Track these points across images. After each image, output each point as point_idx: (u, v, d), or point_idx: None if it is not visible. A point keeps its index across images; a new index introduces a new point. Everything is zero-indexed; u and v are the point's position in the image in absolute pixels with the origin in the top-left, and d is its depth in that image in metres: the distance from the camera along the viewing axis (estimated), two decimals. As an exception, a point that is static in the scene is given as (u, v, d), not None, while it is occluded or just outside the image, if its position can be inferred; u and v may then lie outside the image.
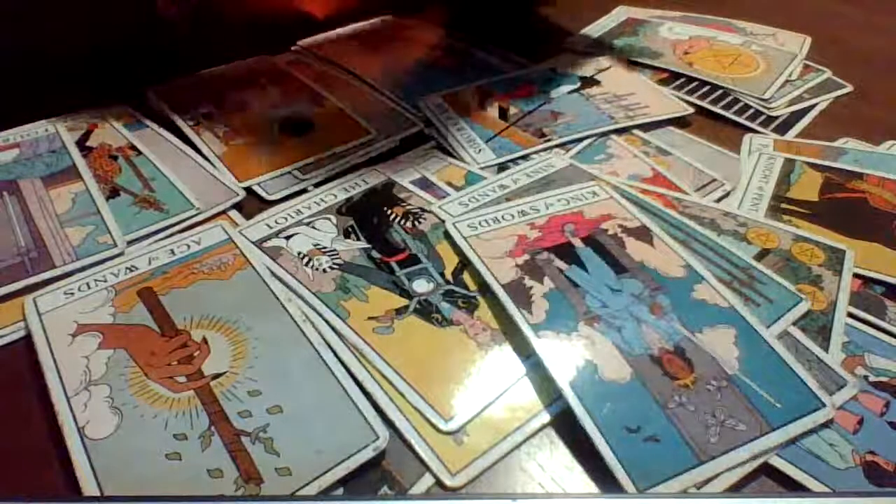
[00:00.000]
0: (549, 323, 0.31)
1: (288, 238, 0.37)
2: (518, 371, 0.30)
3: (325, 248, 0.36)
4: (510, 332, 0.31)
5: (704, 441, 0.26)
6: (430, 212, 0.38)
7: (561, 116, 0.47)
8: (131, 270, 0.34)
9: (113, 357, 0.30)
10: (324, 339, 0.31)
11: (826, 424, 0.28)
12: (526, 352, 0.30)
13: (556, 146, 0.45)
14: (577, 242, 0.35)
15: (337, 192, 0.40)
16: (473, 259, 0.34)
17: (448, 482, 0.26)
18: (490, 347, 0.31)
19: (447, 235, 0.36)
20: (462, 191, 0.40)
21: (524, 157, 0.44)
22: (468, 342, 0.31)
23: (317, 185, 0.41)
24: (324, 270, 0.35)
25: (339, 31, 0.58)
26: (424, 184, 0.41)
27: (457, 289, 0.34)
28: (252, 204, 0.40)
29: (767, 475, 0.27)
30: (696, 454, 0.26)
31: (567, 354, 0.29)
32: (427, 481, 0.26)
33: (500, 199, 0.39)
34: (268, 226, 0.37)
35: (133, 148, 0.43)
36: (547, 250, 0.35)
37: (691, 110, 0.48)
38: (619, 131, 0.46)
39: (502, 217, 0.37)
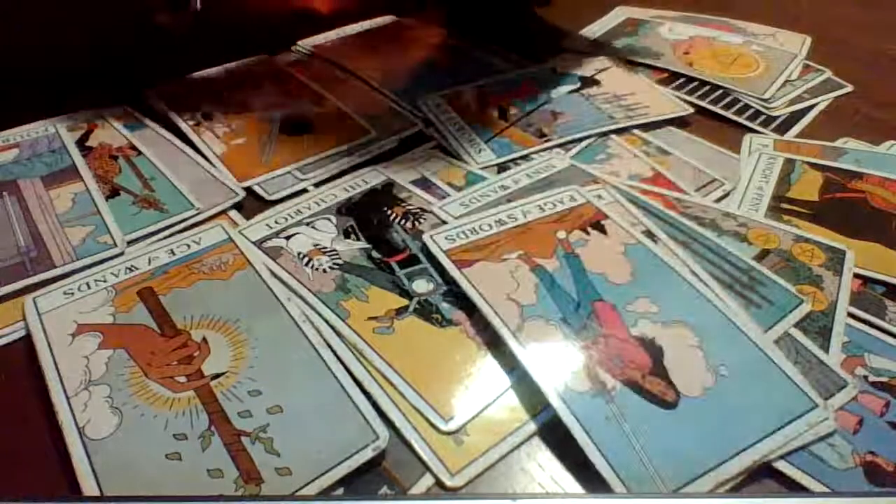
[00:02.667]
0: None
1: (288, 238, 0.37)
2: (518, 371, 0.30)
3: (325, 248, 0.36)
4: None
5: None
6: (430, 212, 0.38)
7: (561, 116, 0.47)
8: (131, 270, 0.34)
9: (113, 357, 0.30)
10: (324, 339, 0.31)
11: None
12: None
13: (556, 146, 0.45)
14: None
15: (337, 192, 0.40)
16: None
17: (448, 482, 0.26)
18: (490, 347, 0.31)
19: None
20: (463, 191, 0.40)
21: (524, 157, 0.44)
22: (468, 342, 0.31)
23: (317, 185, 0.41)
24: (324, 270, 0.35)
25: (339, 30, 0.58)
26: (424, 184, 0.41)
27: (457, 289, 0.34)
28: (252, 204, 0.40)
29: (767, 475, 0.27)
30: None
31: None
32: (427, 481, 0.26)
33: (500, 200, 0.39)
34: (268, 226, 0.37)
35: (133, 148, 0.43)
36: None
37: (691, 110, 0.48)
38: (619, 131, 0.46)
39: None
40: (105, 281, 0.33)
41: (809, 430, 0.27)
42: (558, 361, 0.29)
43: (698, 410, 0.28)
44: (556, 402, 0.27)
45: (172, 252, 0.35)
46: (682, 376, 0.29)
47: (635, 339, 0.30)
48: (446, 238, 0.36)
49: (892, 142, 0.46)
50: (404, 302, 0.33)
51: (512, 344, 0.30)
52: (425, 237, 0.36)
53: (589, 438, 0.26)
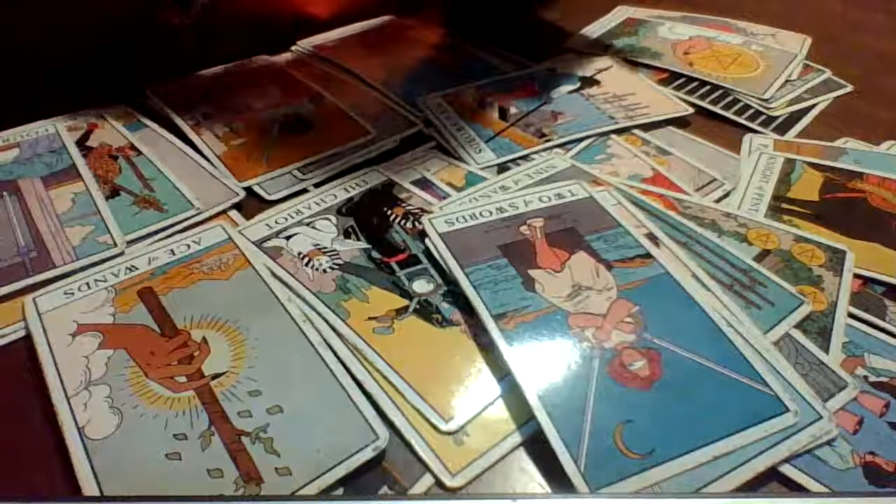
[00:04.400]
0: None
1: (288, 238, 0.37)
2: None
3: (325, 248, 0.36)
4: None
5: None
6: (429, 212, 0.38)
7: (561, 116, 0.47)
8: (131, 270, 0.34)
9: (113, 357, 0.30)
10: (324, 339, 0.31)
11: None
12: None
13: (556, 146, 0.45)
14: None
15: (337, 192, 0.40)
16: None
17: (448, 482, 0.26)
18: (490, 347, 0.31)
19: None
20: (463, 191, 0.40)
21: (524, 158, 0.44)
22: (468, 342, 0.31)
23: (317, 185, 0.41)
24: (324, 270, 0.35)
25: (339, 30, 0.58)
26: (424, 184, 0.41)
27: (457, 289, 0.34)
28: (252, 204, 0.40)
29: (767, 475, 0.27)
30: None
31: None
32: (427, 481, 0.26)
33: (500, 200, 0.39)
34: (268, 226, 0.37)
35: (133, 148, 0.43)
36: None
37: (691, 110, 0.48)
38: (619, 131, 0.46)
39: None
40: (105, 281, 0.33)
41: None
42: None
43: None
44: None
45: (172, 252, 0.35)
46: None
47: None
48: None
49: (892, 142, 0.46)
50: (404, 302, 0.33)
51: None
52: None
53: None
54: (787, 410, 0.27)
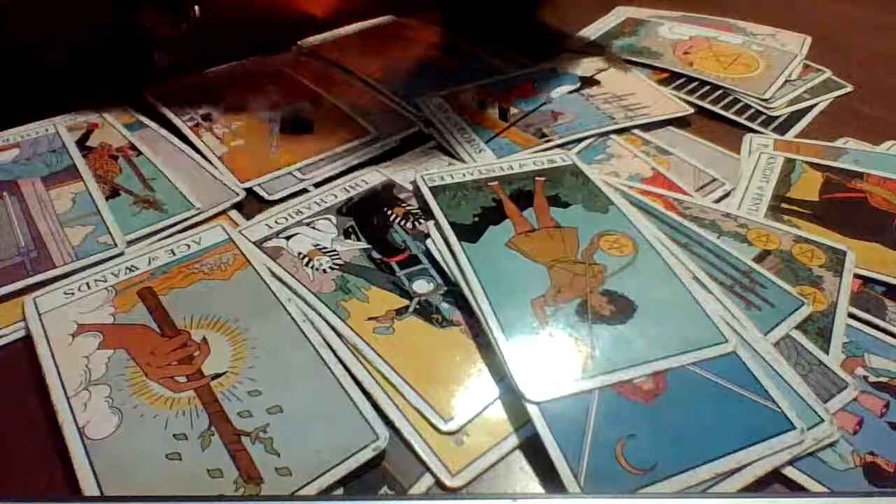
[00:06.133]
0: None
1: (288, 238, 0.37)
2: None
3: (325, 248, 0.36)
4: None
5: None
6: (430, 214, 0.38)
7: (561, 116, 0.47)
8: (131, 270, 0.34)
9: (113, 357, 0.30)
10: (324, 340, 0.31)
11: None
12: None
13: (557, 146, 0.45)
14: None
15: (337, 192, 0.40)
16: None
17: (448, 482, 0.26)
18: (490, 347, 0.31)
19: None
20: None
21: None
22: (468, 342, 0.31)
23: (317, 185, 0.41)
24: (324, 271, 0.35)
25: (339, 31, 0.58)
26: (424, 184, 0.41)
27: (457, 289, 0.34)
28: (252, 204, 0.40)
29: (767, 476, 0.27)
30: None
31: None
32: (427, 481, 0.26)
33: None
34: (268, 226, 0.37)
35: (133, 148, 0.43)
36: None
37: (691, 110, 0.48)
38: (619, 131, 0.46)
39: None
40: (105, 281, 0.33)
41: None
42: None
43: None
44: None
45: (172, 252, 0.35)
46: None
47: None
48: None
49: (892, 142, 0.46)
50: (404, 302, 0.33)
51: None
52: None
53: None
54: (794, 428, 0.27)
